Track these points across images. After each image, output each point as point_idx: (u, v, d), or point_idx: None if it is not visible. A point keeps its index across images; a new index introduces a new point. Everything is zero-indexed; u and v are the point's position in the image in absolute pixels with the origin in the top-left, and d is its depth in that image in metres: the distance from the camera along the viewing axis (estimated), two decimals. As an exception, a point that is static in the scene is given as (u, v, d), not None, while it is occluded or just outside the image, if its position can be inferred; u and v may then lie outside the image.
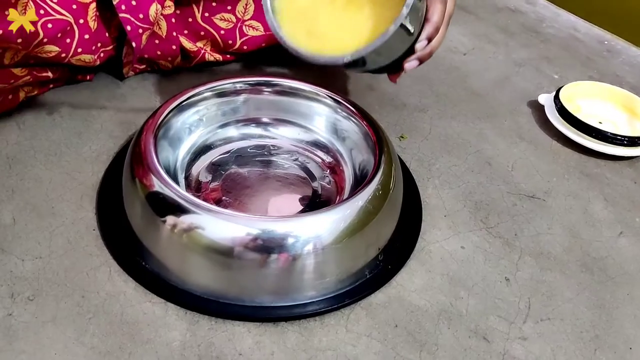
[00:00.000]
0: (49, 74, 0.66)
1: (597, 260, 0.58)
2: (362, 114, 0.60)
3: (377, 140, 0.57)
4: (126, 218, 0.54)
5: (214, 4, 0.73)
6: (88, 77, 0.72)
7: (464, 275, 0.55)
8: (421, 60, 0.56)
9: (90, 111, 0.68)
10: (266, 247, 0.48)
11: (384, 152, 0.55)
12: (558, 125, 0.73)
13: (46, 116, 0.66)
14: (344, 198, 0.51)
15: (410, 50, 0.55)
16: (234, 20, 0.74)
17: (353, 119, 0.61)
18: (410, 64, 0.56)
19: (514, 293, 0.54)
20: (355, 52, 0.49)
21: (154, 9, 0.66)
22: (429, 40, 0.55)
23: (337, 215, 0.49)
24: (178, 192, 0.49)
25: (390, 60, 0.55)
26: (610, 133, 0.70)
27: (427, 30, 0.54)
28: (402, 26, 0.48)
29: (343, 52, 0.50)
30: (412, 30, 0.50)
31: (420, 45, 0.54)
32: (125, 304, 0.48)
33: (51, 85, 0.69)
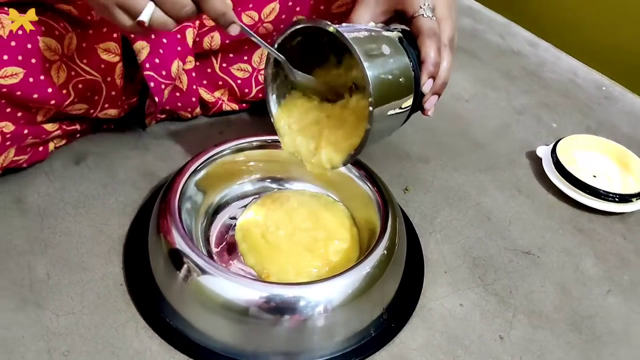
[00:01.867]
0: (77, 126, 0.70)
1: (585, 319, 0.63)
2: (371, 176, 0.64)
3: (384, 204, 0.61)
4: (151, 273, 0.58)
5: (231, 55, 0.77)
6: (112, 126, 0.76)
7: (461, 333, 0.59)
8: (438, 94, 0.59)
9: (115, 161, 0.72)
10: (279, 308, 0.52)
11: (389, 217, 0.59)
12: (554, 180, 0.77)
13: (74, 166, 0.71)
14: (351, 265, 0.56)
15: (420, 94, 0.58)
16: (250, 70, 0.78)
17: (362, 180, 0.65)
18: (429, 102, 0.59)
19: (507, 352, 0.58)
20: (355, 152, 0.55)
21: (175, 65, 0.70)
22: (433, 77, 0.57)
23: (345, 281, 0.54)
24: (197, 251, 0.54)
25: (403, 119, 0.59)
26: (603, 190, 0.74)
27: (426, 70, 0.57)
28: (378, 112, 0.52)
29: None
30: (400, 98, 0.55)
31: (426, 87, 0.58)
32: (151, 360, 0.53)
33: (78, 135, 0.73)
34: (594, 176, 0.79)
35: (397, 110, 0.56)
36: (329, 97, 0.62)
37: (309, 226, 0.64)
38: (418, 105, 0.59)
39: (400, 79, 0.55)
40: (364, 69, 0.50)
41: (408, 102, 0.57)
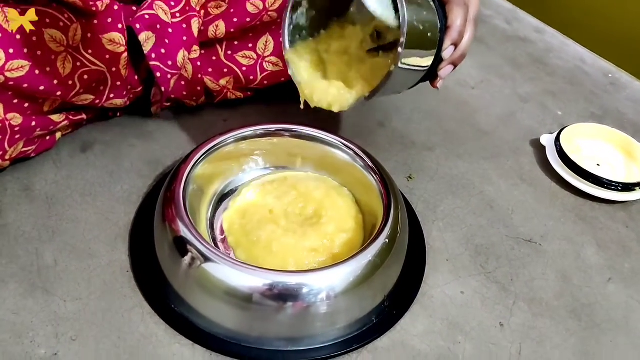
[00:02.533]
0: (83, 116, 0.71)
1: (585, 307, 0.63)
2: (374, 164, 0.65)
3: (387, 192, 0.62)
4: (157, 260, 0.59)
5: (236, 42, 0.77)
6: (118, 114, 0.77)
7: (462, 320, 0.60)
8: (455, 64, 0.59)
9: (121, 149, 0.73)
10: (282, 295, 0.53)
11: (392, 206, 0.60)
12: (557, 168, 0.78)
13: (80, 154, 0.72)
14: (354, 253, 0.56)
15: (439, 59, 0.58)
16: (255, 57, 0.78)
17: (366, 168, 0.65)
18: (444, 71, 0.59)
19: (507, 338, 0.59)
20: (370, 94, 0.56)
21: (181, 55, 0.71)
22: (455, 45, 0.58)
23: (348, 269, 0.55)
24: (201, 239, 0.55)
25: (417, 79, 0.59)
26: (606, 179, 0.74)
27: (451, 36, 0.57)
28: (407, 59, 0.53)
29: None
30: (425, 50, 0.55)
31: (446, 53, 0.58)
32: (157, 345, 0.54)
33: (84, 124, 0.74)
34: (598, 165, 0.79)
35: (417, 64, 0.56)
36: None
37: (308, 214, 0.65)
38: (432, 72, 0.59)
39: (429, 34, 0.55)
40: (402, 7, 0.51)
41: (428, 60, 0.57)
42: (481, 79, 0.96)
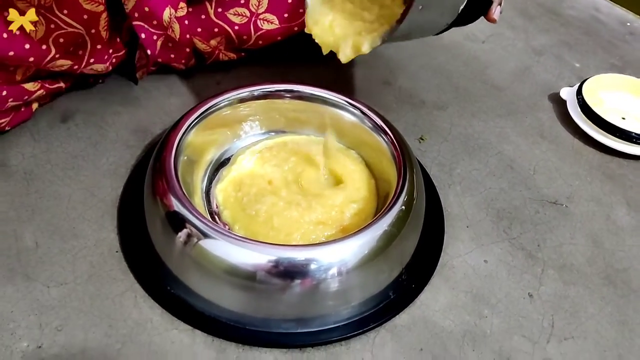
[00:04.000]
0: (62, 84, 0.65)
1: (619, 272, 0.58)
2: (385, 124, 0.59)
3: (400, 155, 0.56)
4: (149, 238, 0.54)
5: (226, -1, 0.71)
6: (100, 81, 0.70)
7: (487, 292, 0.55)
8: None
9: (105, 118, 0.67)
10: (289, 272, 0.48)
11: (407, 169, 0.54)
12: (580, 123, 0.72)
13: (60, 124, 0.65)
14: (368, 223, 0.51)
15: None
16: (248, 14, 0.71)
17: (376, 130, 0.59)
18: None
19: (538, 310, 0.54)
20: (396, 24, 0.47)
21: (167, 13, 0.64)
22: None
23: (360, 241, 0.49)
24: (197, 213, 0.49)
25: (459, 8, 0.50)
26: (635, 133, 0.68)
27: None
28: None
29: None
30: None
31: None
32: (152, 332, 0.49)
33: (63, 91, 0.68)
34: (623, 118, 0.73)
35: None
36: None
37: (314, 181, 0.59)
38: (478, 4, 0.51)
39: None
40: None
41: None
42: (491, 32, 0.90)
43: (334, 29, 0.54)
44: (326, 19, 0.55)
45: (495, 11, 0.53)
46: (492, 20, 0.54)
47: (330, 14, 0.55)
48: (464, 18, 0.51)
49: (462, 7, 0.50)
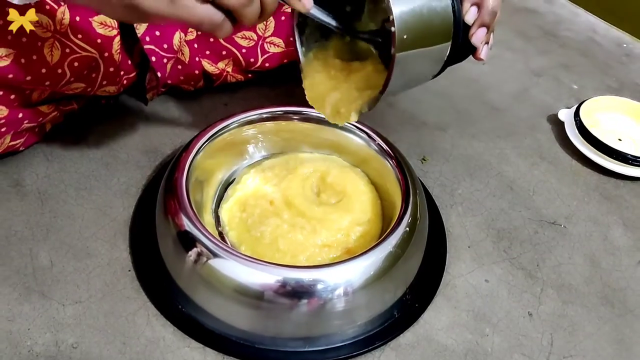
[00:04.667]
0: (75, 105, 0.66)
1: (616, 292, 0.60)
2: (389, 147, 0.61)
3: (404, 176, 0.58)
4: (160, 257, 0.55)
5: (234, 22, 0.73)
6: (111, 102, 0.72)
7: (488, 310, 0.56)
8: (486, 25, 0.50)
9: (116, 139, 0.68)
10: (296, 292, 0.49)
11: (410, 191, 0.56)
12: (578, 144, 0.74)
13: (73, 146, 0.67)
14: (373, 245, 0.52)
15: (466, 28, 0.50)
16: (255, 37, 0.73)
17: (381, 152, 0.61)
18: (476, 36, 0.50)
19: (537, 329, 0.55)
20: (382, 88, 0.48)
21: (177, 37, 0.66)
22: (477, 4, 0.49)
23: (366, 262, 0.51)
24: (208, 233, 0.51)
25: (443, 56, 0.50)
26: (631, 155, 0.70)
27: None
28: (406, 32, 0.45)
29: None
30: (433, 18, 0.47)
31: (469, 15, 0.49)
32: (165, 350, 0.50)
33: (76, 113, 0.69)
34: (620, 140, 0.75)
35: (431, 38, 0.48)
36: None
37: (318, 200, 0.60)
38: (465, 43, 0.51)
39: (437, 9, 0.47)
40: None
41: (444, 31, 0.48)
42: (491, 54, 0.91)
43: (328, 99, 0.55)
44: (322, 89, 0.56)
45: (483, 51, 0.52)
46: (480, 60, 0.53)
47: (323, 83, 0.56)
48: (452, 61, 0.52)
49: (445, 58, 0.51)
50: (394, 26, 0.44)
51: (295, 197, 0.59)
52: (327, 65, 0.56)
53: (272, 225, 0.57)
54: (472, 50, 0.52)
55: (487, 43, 0.52)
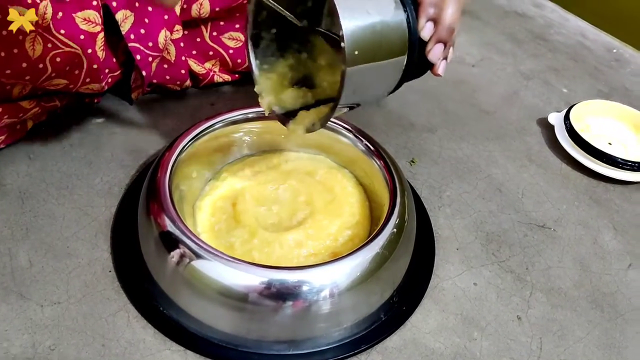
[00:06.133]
0: (57, 102, 0.65)
1: (606, 296, 0.59)
2: (376, 148, 0.60)
3: (391, 178, 0.57)
4: (142, 258, 0.54)
5: (222, 23, 0.72)
6: (96, 100, 0.71)
7: (477, 314, 0.55)
8: (444, 41, 0.49)
9: (100, 137, 0.67)
10: (280, 294, 0.48)
11: (398, 192, 0.55)
12: (568, 148, 0.73)
13: (55, 144, 0.66)
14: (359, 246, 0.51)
15: (422, 44, 0.49)
16: (243, 38, 0.73)
17: (369, 153, 0.60)
18: (433, 53, 0.49)
19: (526, 333, 0.54)
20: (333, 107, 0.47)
21: (163, 35, 0.65)
22: (434, 19, 0.48)
23: (352, 264, 0.50)
24: (191, 234, 0.49)
25: (398, 74, 0.49)
26: (621, 159, 0.70)
27: (425, 12, 0.47)
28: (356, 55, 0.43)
29: None
30: (386, 32, 0.45)
31: (425, 31, 0.48)
32: (145, 352, 0.49)
33: (58, 111, 0.68)
34: (610, 143, 0.75)
35: (383, 65, 0.47)
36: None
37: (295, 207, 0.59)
38: (420, 63, 0.49)
39: (385, 16, 0.45)
40: (337, 13, 0.42)
41: (398, 46, 0.47)
42: (481, 57, 0.91)
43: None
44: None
45: (441, 67, 0.51)
46: (437, 75, 0.52)
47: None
48: (408, 77, 0.50)
49: (401, 74, 0.49)
50: (344, 42, 0.43)
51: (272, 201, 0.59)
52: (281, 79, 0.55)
53: (239, 237, 0.55)
54: (430, 66, 0.51)
55: (445, 59, 0.51)
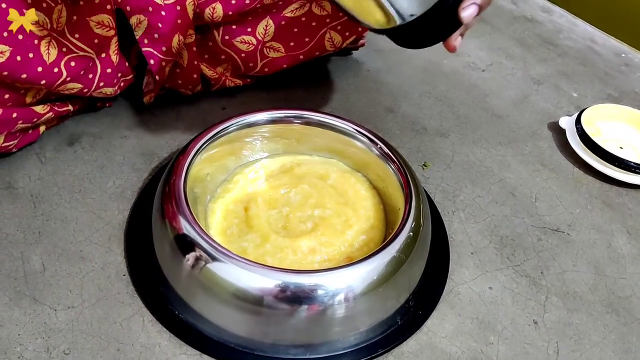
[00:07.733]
0: (70, 107, 0.65)
1: (622, 300, 0.59)
2: (391, 152, 0.60)
3: (407, 182, 0.56)
4: (156, 261, 0.54)
5: (234, 26, 0.72)
6: (107, 104, 0.71)
7: (493, 318, 0.55)
8: (479, 5, 0.47)
9: (111, 141, 0.67)
10: (296, 298, 0.48)
11: (413, 196, 0.55)
12: (579, 152, 0.73)
13: (67, 147, 0.65)
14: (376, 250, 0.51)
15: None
16: (255, 42, 0.72)
17: (383, 157, 0.60)
18: (466, 11, 0.46)
19: (542, 337, 0.54)
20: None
21: (176, 40, 0.65)
22: None
23: (368, 268, 0.49)
24: (206, 237, 0.49)
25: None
26: (634, 162, 0.70)
27: None
28: None
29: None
30: None
31: None
32: (160, 356, 0.48)
33: (71, 114, 0.68)
34: (621, 147, 0.75)
35: None
36: None
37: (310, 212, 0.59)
38: (452, 15, 0.46)
39: None
40: None
41: None
42: (491, 62, 0.91)
43: None
44: None
45: (457, 40, 0.49)
46: (452, 49, 0.50)
47: None
48: (431, 24, 0.48)
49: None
50: None
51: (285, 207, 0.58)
52: None
53: (251, 241, 0.55)
54: (453, 28, 0.49)
55: (461, 35, 0.49)
